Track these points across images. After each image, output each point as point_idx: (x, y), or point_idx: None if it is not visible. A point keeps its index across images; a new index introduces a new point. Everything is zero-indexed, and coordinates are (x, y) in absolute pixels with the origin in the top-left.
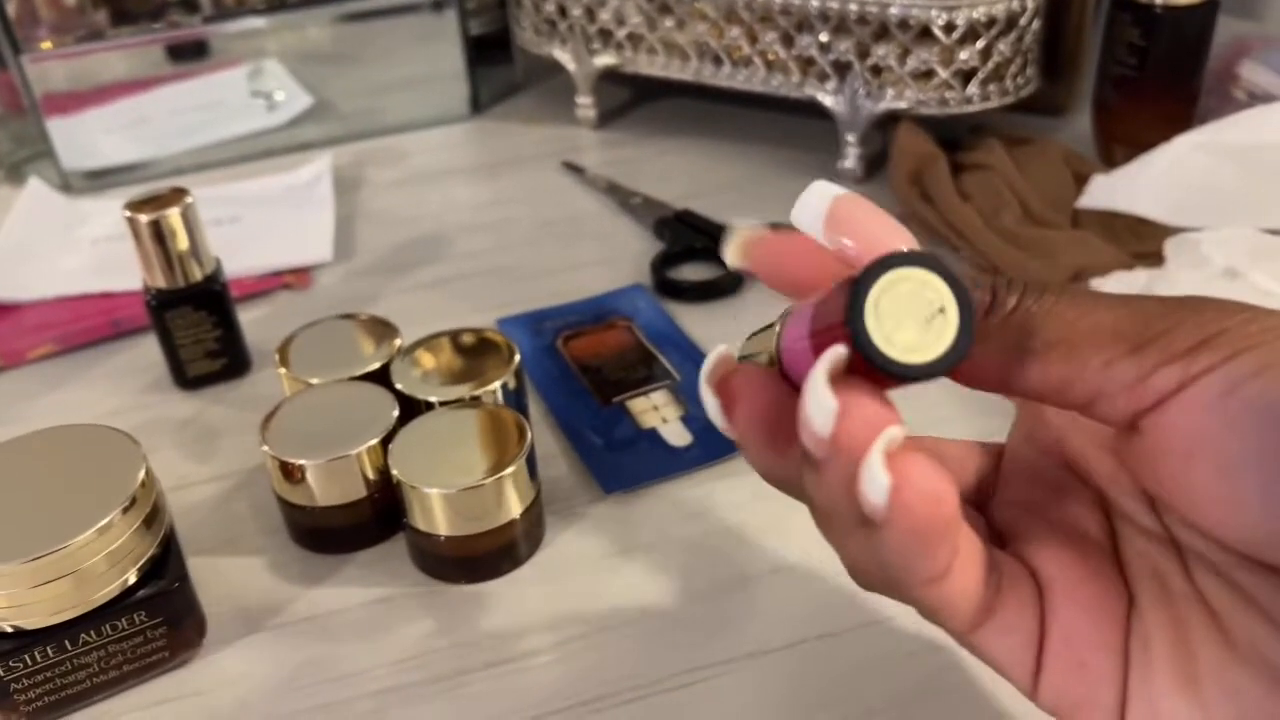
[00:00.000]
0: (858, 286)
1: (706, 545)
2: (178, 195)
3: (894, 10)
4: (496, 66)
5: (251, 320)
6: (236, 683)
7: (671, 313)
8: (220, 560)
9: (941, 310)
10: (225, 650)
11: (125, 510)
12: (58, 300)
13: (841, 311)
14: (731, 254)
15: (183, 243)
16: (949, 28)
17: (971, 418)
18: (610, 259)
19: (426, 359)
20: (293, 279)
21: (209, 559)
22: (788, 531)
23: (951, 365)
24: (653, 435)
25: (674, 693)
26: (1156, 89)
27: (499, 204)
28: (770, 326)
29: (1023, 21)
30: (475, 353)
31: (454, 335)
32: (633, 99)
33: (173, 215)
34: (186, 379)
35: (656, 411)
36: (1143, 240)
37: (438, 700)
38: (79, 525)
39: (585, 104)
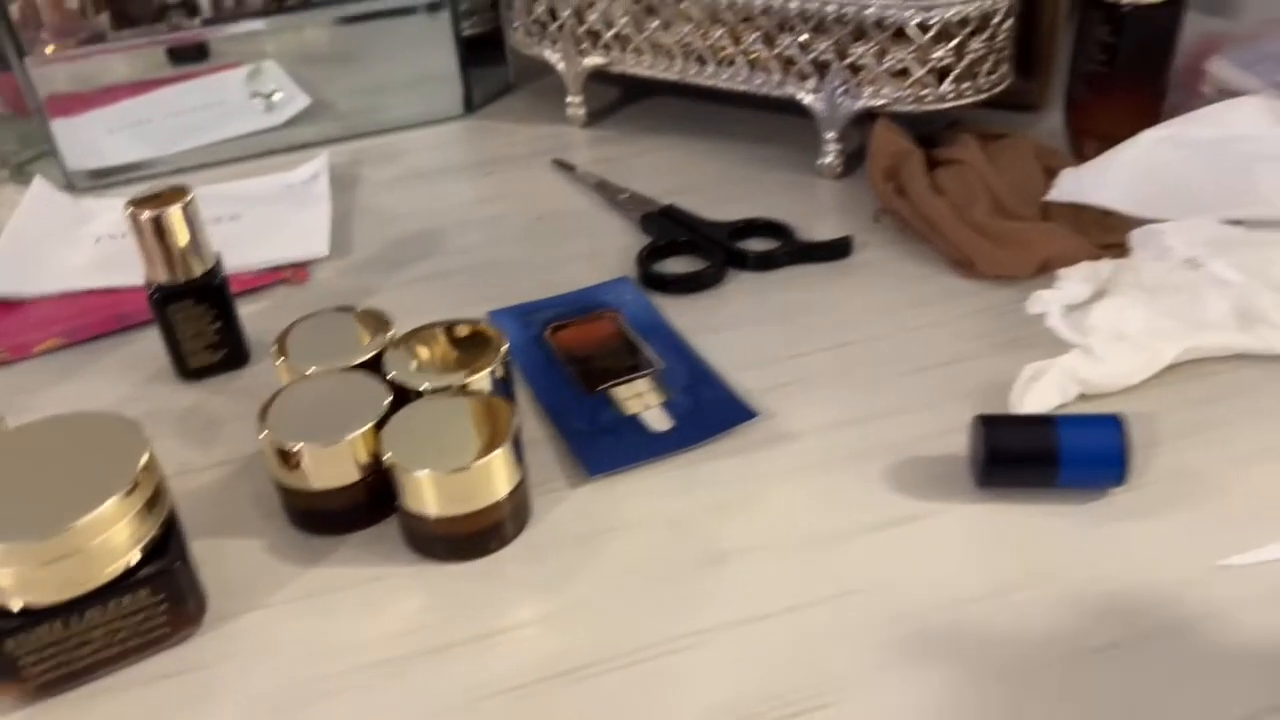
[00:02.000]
0: None
1: (684, 524)
2: (178, 193)
3: (871, 11)
4: (489, 67)
5: (251, 313)
6: (236, 657)
7: (656, 304)
8: (221, 542)
9: None
10: (225, 626)
11: (128, 493)
12: (63, 296)
13: None
14: None
15: (183, 239)
16: (924, 27)
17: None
18: (598, 253)
19: (418, 349)
20: (291, 274)
21: (211, 540)
22: (761, 510)
23: None
24: (635, 421)
25: (650, 662)
26: (1125, 85)
27: (491, 201)
28: None
29: (995, 21)
30: (466, 343)
31: (445, 326)
32: (621, 98)
33: (174, 212)
34: (188, 370)
35: (640, 398)
36: (1109, 232)
37: (426, 671)
38: (84, 507)
39: (575, 103)
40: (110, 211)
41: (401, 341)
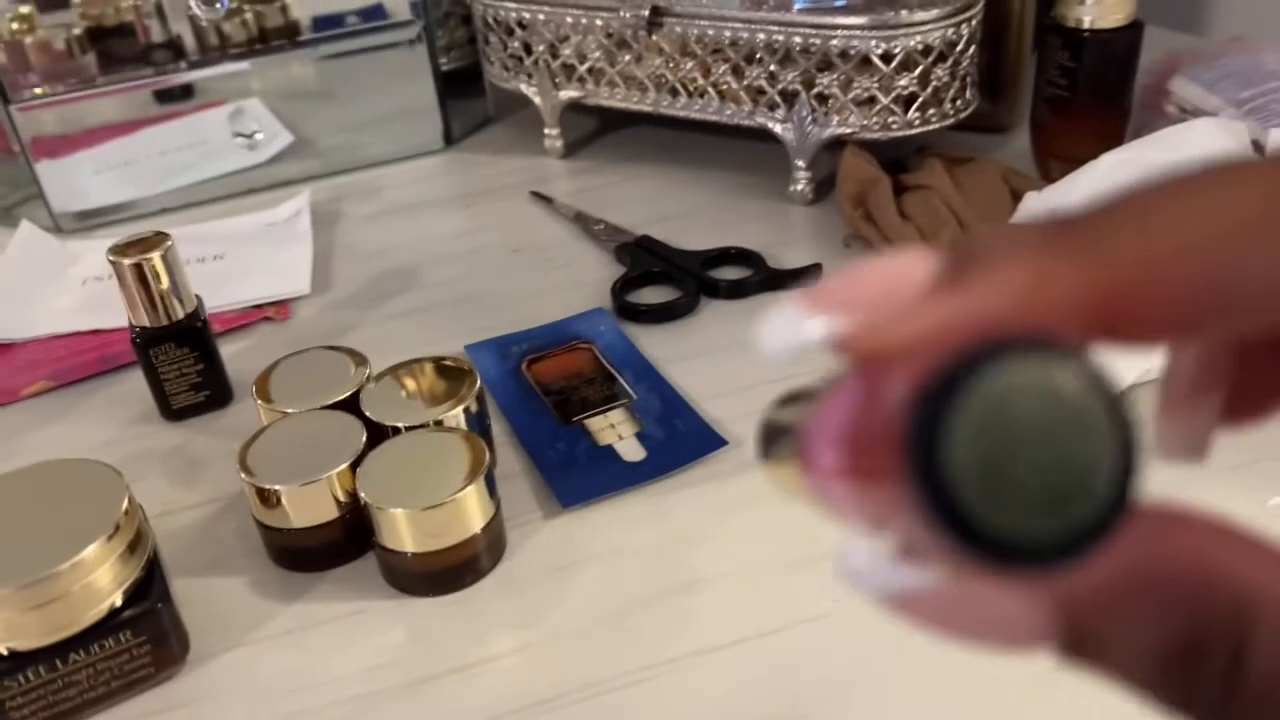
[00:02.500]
0: (931, 393)
1: (658, 552)
2: (159, 239)
3: (835, 42)
4: (469, 100)
5: (234, 352)
6: (219, 694)
7: (631, 334)
8: (205, 580)
9: (1098, 438)
10: (209, 664)
11: (109, 538)
12: (50, 338)
13: (901, 430)
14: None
15: (164, 283)
16: (887, 57)
17: None
18: (574, 284)
19: (393, 387)
20: (273, 312)
21: (194, 579)
22: (734, 537)
23: (1098, 543)
24: (609, 451)
25: (622, 690)
26: (1087, 107)
27: (470, 233)
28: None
29: (959, 48)
30: (440, 379)
31: (419, 363)
32: (598, 129)
33: (154, 258)
34: (172, 411)
35: (613, 429)
36: None
37: (405, 704)
38: (67, 552)
39: (552, 135)
40: (96, 253)
41: (378, 379)
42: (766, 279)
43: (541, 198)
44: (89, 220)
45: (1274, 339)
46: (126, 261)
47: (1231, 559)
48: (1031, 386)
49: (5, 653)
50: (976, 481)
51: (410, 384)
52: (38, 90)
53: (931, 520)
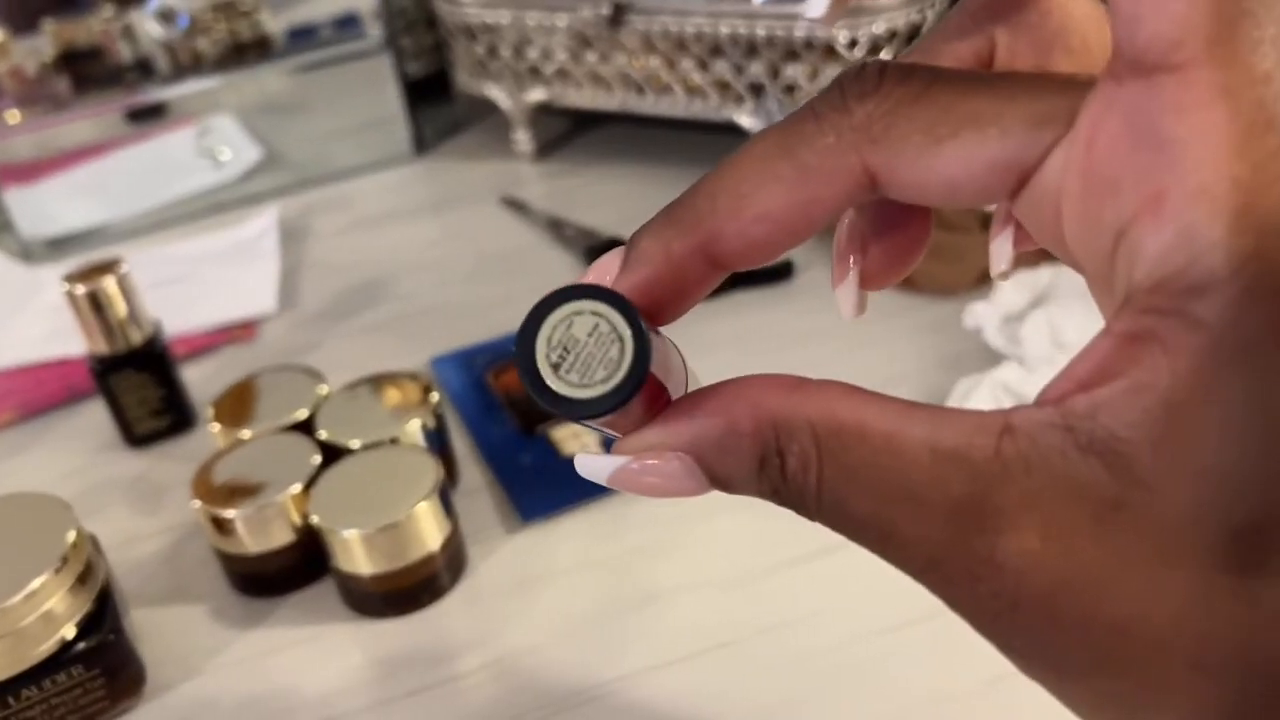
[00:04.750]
0: (529, 319)
1: (619, 565)
2: (113, 265)
3: (799, 32)
4: (438, 107)
5: (201, 375)
6: None
7: None
8: (165, 609)
9: (620, 344)
10: (166, 695)
11: (57, 570)
12: (18, 370)
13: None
14: None
15: (120, 310)
16: (851, 44)
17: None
18: (543, 290)
19: (350, 405)
20: (239, 332)
21: (154, 609)
22: (693, 548)
23: (616, 403)
24: (572, 462)
25: (586, 705)
26: None
27: (441, 242)
28: None
29: (924, 31)
30: (398, 395)
31: (376, 380)
32: (569, 130)
33: (109, 284)
34: (135, 437)
35: (578, 439)
36: None
37: None
38: (13, 586)
39: (523, 139)
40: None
41: (334, 399)
42: (738, 278)
43: (512, 203)
44: (60, 247)
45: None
46: (80, 289)
47: (776, 400)
48: (584, 314)
49: None
50: (550, 368)
51: (368, 401)
52: (10, 117)
53: (532, 392)
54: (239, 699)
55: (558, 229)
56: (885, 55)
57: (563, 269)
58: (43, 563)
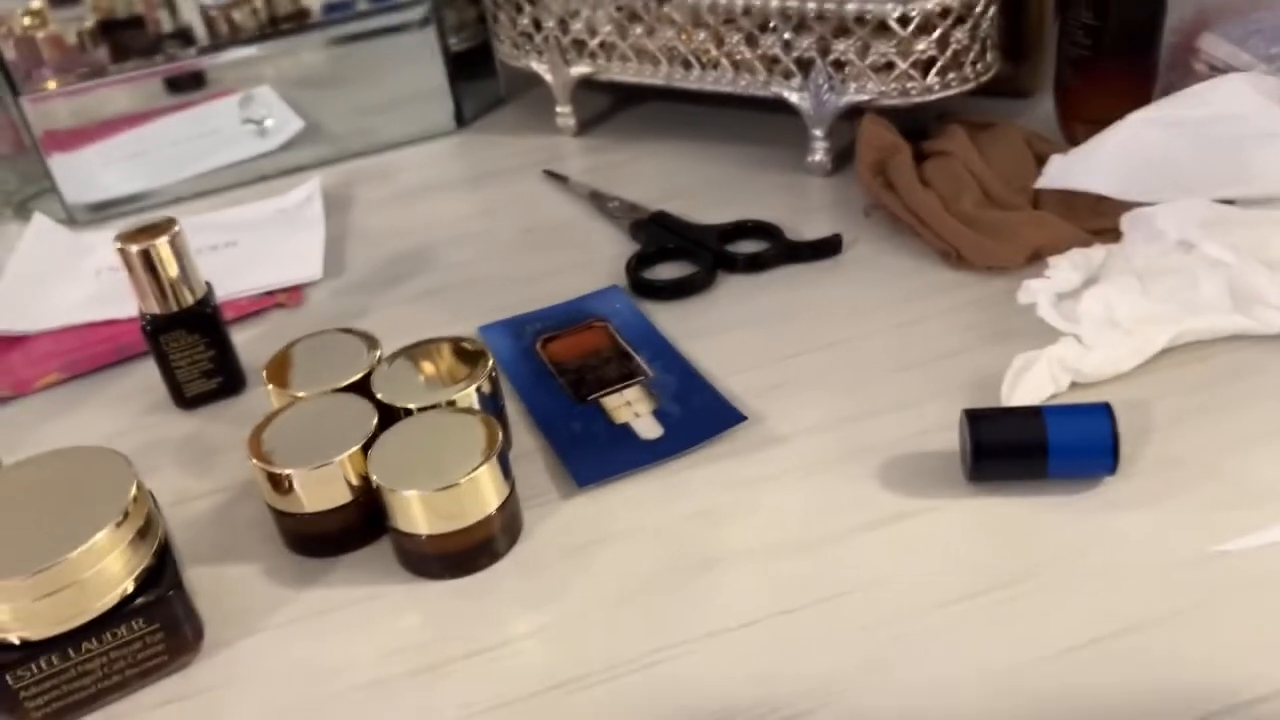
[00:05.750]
0: None
1: (675, 532)
2: (166, 225)
3: (851, 6)
4: (480, 81)
5: (248, 339)
6: (234, 682)
7: (646, 311)
8: (219, 568)
9: None
10: (224, 652)
11: (119, 524)
12: (64, 330)
13: None
14: None
15: (173, 270)
16: (904, 20)
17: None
18: (589, 262)
19: (405, 368)
20: (285, 298)
21: (209, 567)
22: (752, 515)
23: None
24: (625, 430)
25: (644, 671)
26: (1112, 67)
27: (483, 214)
28: None
29: (978, 10)
30: (452, 360)
31: (432, 344)
32: (612, 106)
33: (162, 244)
34: (185, 399)
35: (629, 407)
36: (1101, 217)
37: (422, 688)
38: (76, 540)
39: (565, 113)
40: (109, 244)
41: (390, 361)
42: (785, 251)
43: (555, 176)
44: (103, 212)
45: None
46: (134, 248)
47: None
48: None
49: (17, 642)
50: None
51: (422, 365)
52: (50, 84)
53: None
54: (295, 658)
55: (600, 202)
56: (938, 33)
57: (606, 242)
58: (104, 516)
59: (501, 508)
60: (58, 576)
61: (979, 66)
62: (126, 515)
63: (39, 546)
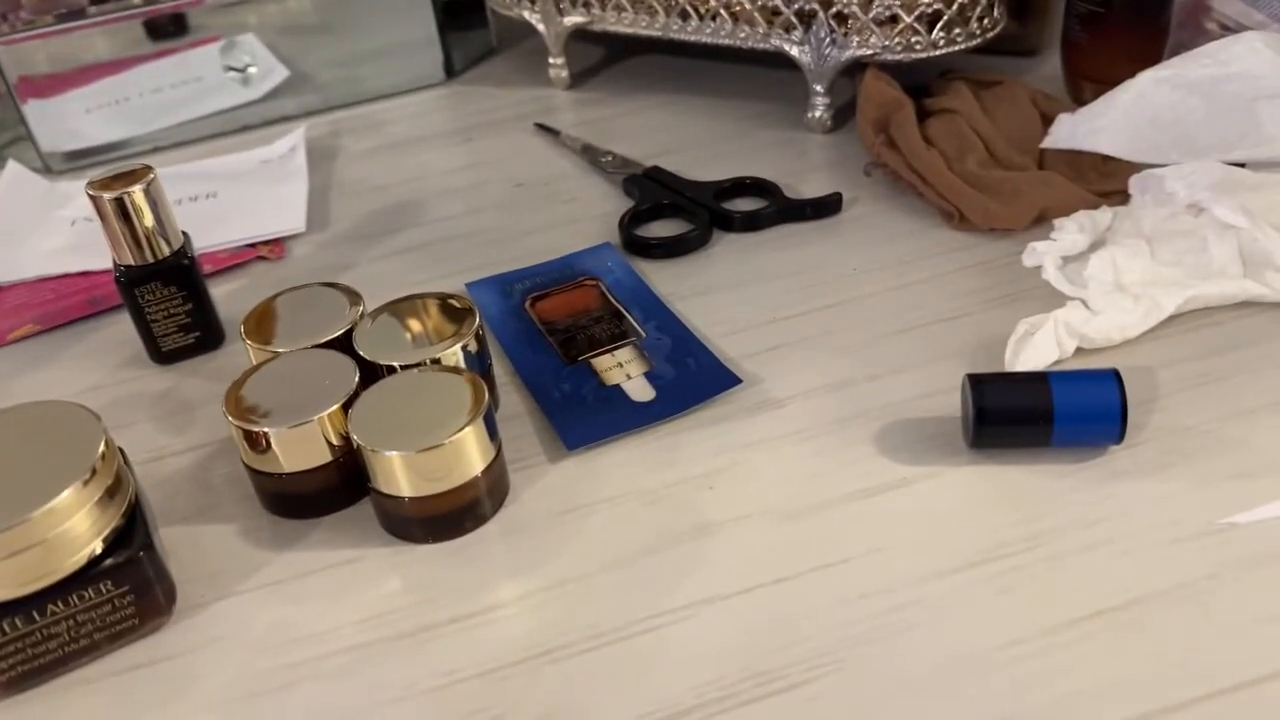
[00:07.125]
0: None
1: (666, 497)
2: (142, 172)
3: None
4: (471, 31)
5: (227, 292)
6: (208, 646)
7: (640, 270)
8: (194, 528)
9: None
10: (198, 615)
11: (85, 483)
12: (38, 281)
13: None
14: None
15: (148, 219)
16: None
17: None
18: (580, 218)
19: (389, 325)
20: (267, 250)
21: (183, 527)
22: (745, 481)
23: None
24: (616, 391)
25: (633, 639)
26: (1123, 25)
27: (472, 168)
28: None
29: None
30: (438, 317)
31: (417, 300)
32: (606, 58)
33: (136, 192)
34: (161, 353)
35: (621, 368)
36: (1108, 178)
37: (404, 655)
38: (39, 499)
39: (558, 64)
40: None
41: (372, 317)
42: (783, 210)
43: (546, 129)
44: (79, 161)
45: None
46: (107, 196)
47: None
48: None
49: None
50: None
51: (407, 322)
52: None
53: None
54: (271, 621)
55: (593, 157)
56: None
57: (598, 198)
58: (71, 474)
59: (487, 470)
60: (21, 536)
61: (985, 22)
62: (94, 473)
63: (2, 504)
